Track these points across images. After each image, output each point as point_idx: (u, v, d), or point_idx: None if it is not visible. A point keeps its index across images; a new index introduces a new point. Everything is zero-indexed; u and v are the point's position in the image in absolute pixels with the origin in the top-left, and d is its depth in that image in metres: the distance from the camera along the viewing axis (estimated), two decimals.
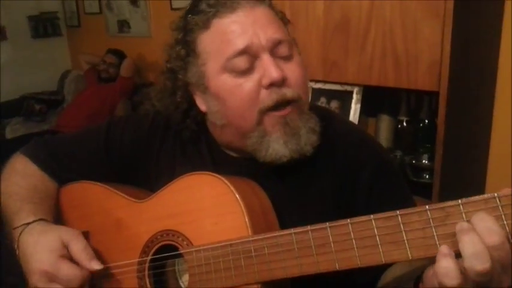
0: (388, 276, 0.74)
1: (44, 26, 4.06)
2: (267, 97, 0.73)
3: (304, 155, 0.76)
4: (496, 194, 0.50)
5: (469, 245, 0.49)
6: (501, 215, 0.50)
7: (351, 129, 0.88)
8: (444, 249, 0.51)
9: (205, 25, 0.75)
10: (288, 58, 0.76)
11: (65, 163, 0.92)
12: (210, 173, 0.74)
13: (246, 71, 0.74)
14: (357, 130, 0.91)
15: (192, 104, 0.82)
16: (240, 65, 0.73)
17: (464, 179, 1.64)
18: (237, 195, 0.70)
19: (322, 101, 1.92)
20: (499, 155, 1.73)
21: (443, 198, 1.42)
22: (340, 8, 1.61)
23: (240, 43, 0.73)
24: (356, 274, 0.67)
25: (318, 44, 1.69)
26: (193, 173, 0.76)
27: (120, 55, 3.40)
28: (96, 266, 0.75)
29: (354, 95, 1.84)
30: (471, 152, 1.67)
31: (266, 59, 0.73)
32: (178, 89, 0.81)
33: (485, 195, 0.51)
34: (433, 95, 1.53)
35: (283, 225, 0.71)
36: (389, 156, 0.99)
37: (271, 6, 0.79)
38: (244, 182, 0.75)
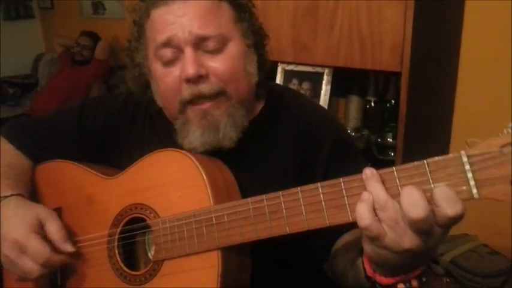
0: (341, 241, 0.80)
1: (15, 8, 3.95)
2: (185, 91, 0.77)
3: (223, 148, 0.79)
4: (425, 161, 0.56)
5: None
6: (428, 179, 0.56)
7: (312, 108, 0.92)
8: (363, 195, 0.56)
9: (146, 14, 0.80)
10: (216, 52, 0.77)
11: (39, 143, 0.95)
12: (177, 149, 0.79)
13: (171, 62, 0.77)
14: (319, 109, 0.95)
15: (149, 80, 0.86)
16: (165, 55, 0.77)
17: (427, 156, 1.72)
18: (201, 170, 0.74)
19: (294, 83, 1.97)
20: (461, 134, 1.82)
21: None
22: None
23: (164, 35, 0.76)
24: (313, 238, 0.72)
25: (288, 26, 1.72)
26: (161, 150, 0.81)
27: (95, 37, 3.36)
28: (69, 247, 0.79)
29: (325, 77, 1.89)
30: (433, 130, 1.75)
31: (187, 53, 0.75)
32: (136, 66, 0.85)
33: (416, 162, 0.57)
34: (400, 77, 1.60)
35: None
36: (348, 134, 1.04)
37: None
38: (208, 159, 0.79)
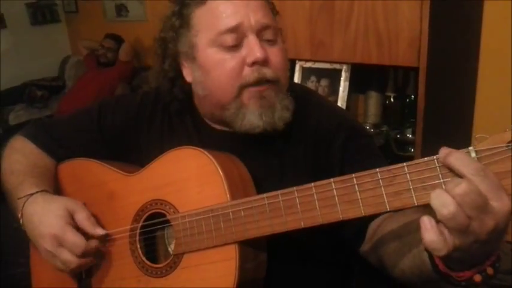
0: (384, 228, 0.76)
1: (42, 12, 4.08)
2: (250, 74, 0.80)
3: (276, 129, 0.83)
4: (435, 157, 0.57)
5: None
6: (438, 174, 0.56)
7: (324, 104, 0.95)
8: (425, 221, 0.52)
9: (202, 1, 0.83)
10: (272, 42, 0.83)
11: (61, 142, 0.99)
12: (194, 147, 0.81)
13: (233, 48, 0.81)
14: (330, 105, 0.98)
15: (179, 74, 0.89)
16: (228, 41, 0.80)
17: None
18: (218, 167, 0.77)
19: (312, 80, 1.97)
20: (483, 129, 1.79)
21: None
22: None
23: (231, 21, 0.80)
24: (336, 230, 0.72)
25: (304, 24, 1.73)
26: (179, 147, 0.83)
27: (118, 40, 3.44)
28: (100, 231, 0.84)
29: (343, 73, 1.89)
30: (454, 125, 1.73)
31: (252, 39, 0.80)
32: (167, 57, 0.88)
33: (426, 158, 0.57)
34: (419, 71, 1.58)
35: (262, 193, 0.76)
36: (360, 124, 1.06)
37: None
38: (225, 155, 0.82)
